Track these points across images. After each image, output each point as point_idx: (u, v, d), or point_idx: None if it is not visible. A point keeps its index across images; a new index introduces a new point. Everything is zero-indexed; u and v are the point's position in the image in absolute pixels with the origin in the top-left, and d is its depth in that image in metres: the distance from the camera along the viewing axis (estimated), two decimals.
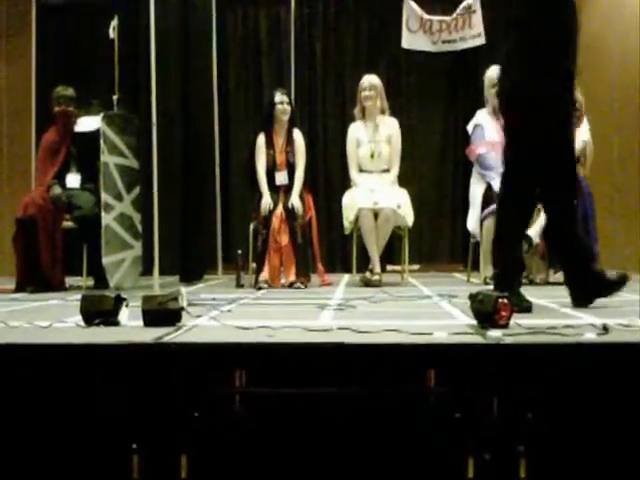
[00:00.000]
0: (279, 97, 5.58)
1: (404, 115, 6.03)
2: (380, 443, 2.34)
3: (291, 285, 5.23)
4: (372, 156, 5.60)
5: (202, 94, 6.16)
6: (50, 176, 5.37)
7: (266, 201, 5.43)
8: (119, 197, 5.28)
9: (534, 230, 5.11)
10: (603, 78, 6.93)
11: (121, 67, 5.61)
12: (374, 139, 5.60)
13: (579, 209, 5.22)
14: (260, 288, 5.15)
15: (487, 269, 5.27)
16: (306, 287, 5.24)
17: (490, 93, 5.43)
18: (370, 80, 5.63)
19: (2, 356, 2.44)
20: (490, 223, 5.20)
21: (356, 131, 5.66)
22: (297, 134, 5.68)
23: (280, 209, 5.39)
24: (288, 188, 5.54)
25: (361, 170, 5.62)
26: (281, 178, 5.56)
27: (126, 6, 6.77)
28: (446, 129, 7.33)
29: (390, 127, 5.64)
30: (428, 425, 2.33)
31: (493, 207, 5.16)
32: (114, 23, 5.51)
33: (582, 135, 5.37)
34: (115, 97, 5.43)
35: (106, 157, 5.16)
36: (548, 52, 3.51)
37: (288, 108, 5.60)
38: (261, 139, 5.63)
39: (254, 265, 5.47)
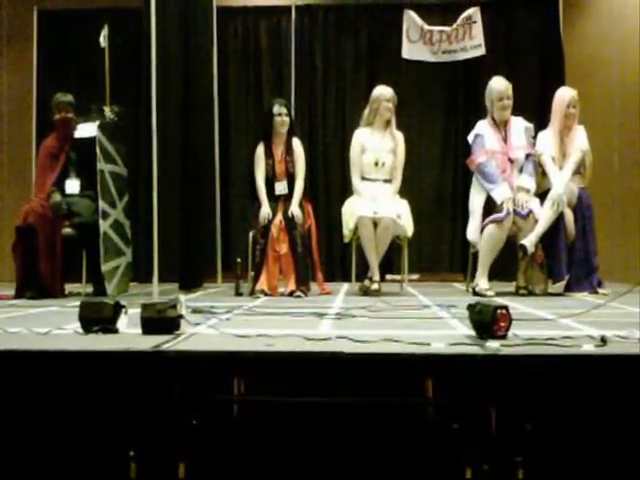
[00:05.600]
0: (277, 109, 5.58)
1: (404, 125, 6.03)
2: (378, 453, 2.34)
3: (291, 294, 5.23)
4: (376, 164, 5.59)
5: (202, 103, 6.17)
6: (49, 182, 5.37)
7: (265, 210, 5.44)
8: (113, 204, 5.31)
9: (529, 239, 5.12)
10: (604, 88, 6.96)
11: (120, 75, 5.63)
12: (379, 148, 5.60)
13: (578, 221, 5.25)
14: (257, 297, 5.15)
15: (481, 279, 5.25)
16: (306, 296, 5.24)
17: (497, 105, 5.42)
18: (392, 92, 5.62)
19: (1, 362, 2.44)
20: (490, 230, 5.20)
21: (362, 137, 5.64)
22: (296, 143, 5.69)
23: (279, 218, 5.40)
24: (288, 197, 5.55)
25: (363, 178, 5.62)
26: (281, 188, 5.58)
27: (123, 15, 6.81)
28: (446, 139, 7.34)
29: (396, 140, 5.63)
30: (426, 435, 2.32)
31: (494, 216, 5.18)
32: (104, 32, 5.54)
33: (580, 145, 5.37)
34: (106, 108, 5.47)
35: (102, 165, 5.18)
36: None
37: (287, 119, 5.61)
38: (260, 149, 5.65)
39: (253, 274, 5.47)
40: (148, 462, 2.33)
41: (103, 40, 5.58)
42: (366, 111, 5.68)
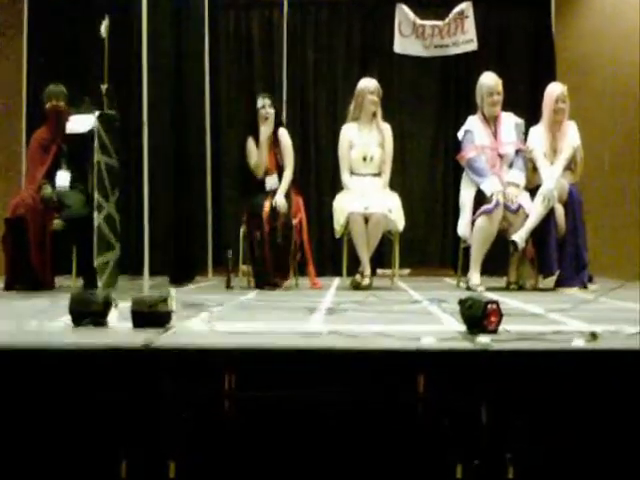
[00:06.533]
0: (261, 102, 5.55)
1: (395, 119, 6.03)
2: (368, 448, 2.34)
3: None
4: (364, 159, 5.59)
5: (194, 96, 6.16)
6: (40, 174, 5.34)
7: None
8: (107, 197, 5.27)
9: (520, 235, 5.12)
10: (596, 85, 6.97)
11: (113, 67, 5.60)
12: (367, 142, 5.60)
13: (569, 217, 5.26)
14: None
15: (474, 275, 5.25)
16: (280, 287, 5.23)
17: (487, 101, 5.43)
18: (375, 84, 5.62)
19: None
20: (480, 223, 5.19)
21: (349, 133, 5.64)
22: (283, 134, 5.65)
23: (268, 210, 5.36)
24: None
25: (352, 173, 5.62)
26: (271, 182, 5.55)
27: (119, 6, 6.76)
28: (437, 134, 7.35)
29: (383, 132, 5.63)
30: (416, 431, 2.33)
31: (484, 208, 5.18)
32: (106, 23, 5.50)
33: (571, 141, 5.38)
34: (104, 87, 5.42)
35: (99, 156, 5.14)
36: None
37: (271, 111, 5.57)
38: (250, 143, 5.61)
39: (244, 267, 5.47)
40: (139, 459, 2.33)
41: (104, 30, 5.53)
42: (351, 106, 5.68)
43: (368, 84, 5.61)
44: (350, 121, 5.68)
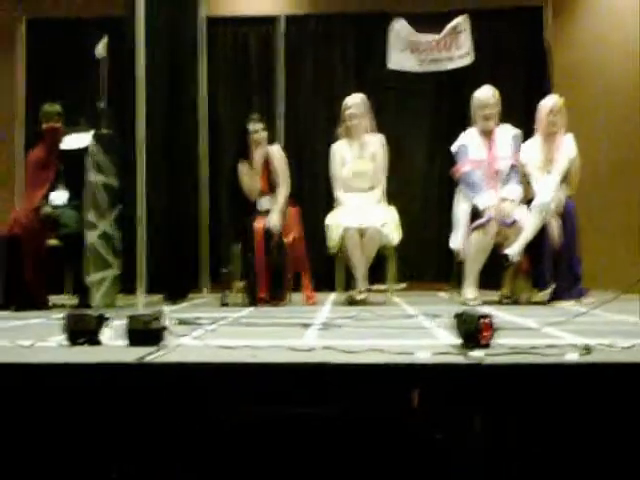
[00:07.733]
0: (252, 126, 5.55)
1: (390, 133, 6.05)
2: (363, 464, 2.34)
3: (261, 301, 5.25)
4: (357, 175, 5.60)
5: (190, 113, 6.18)
6: (40, 195, 5.36)
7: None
8: (102, 216, 5.28)
9: (513, 249, 5.12)
10: (592, 94, 7.01)
11: (109, 85, 5.63)
12: (359, 157, 5.61)
13: (564, 230, 5.27)
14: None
15: (468, 289, 5.24)
16: (276, 305, 5.25)
17: (479, 115, 5.45)
18: (354, 99, 5.65)
19: None
20: (474, 238, 5.20)
21: (340, 150, 5.66)
22: (274, 152, 5.63)
23: (261, 232, 5.37)
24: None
25: (346, 190, 5.62)
26: (265, 203, 5.54)
27: (114, 24, 6.79)
28: (432, 148, 7.37)
29: (375, 144, 5.64)
30: (409, 446, 2.32)
31: (476, 222, 5.19)
32: (104, 42, 5.51)
33: (568, 152, 5.39)
34: (100, 104, 5.44)
35: (91, 175, 5.16)
36: None
37: (263, 134, 5.57)
38: (242, 167, 5.61)
39: (239, 284, 5.46)
40: (131, 476, 2.32)
41: (102, 49, 5.54)
42: (340, 127, 5.72)
43: (346, 101, 5.67)
44: (340, 139, 5.70)
